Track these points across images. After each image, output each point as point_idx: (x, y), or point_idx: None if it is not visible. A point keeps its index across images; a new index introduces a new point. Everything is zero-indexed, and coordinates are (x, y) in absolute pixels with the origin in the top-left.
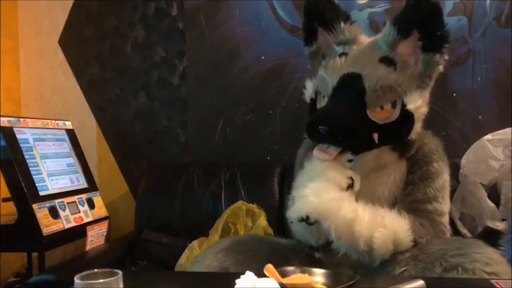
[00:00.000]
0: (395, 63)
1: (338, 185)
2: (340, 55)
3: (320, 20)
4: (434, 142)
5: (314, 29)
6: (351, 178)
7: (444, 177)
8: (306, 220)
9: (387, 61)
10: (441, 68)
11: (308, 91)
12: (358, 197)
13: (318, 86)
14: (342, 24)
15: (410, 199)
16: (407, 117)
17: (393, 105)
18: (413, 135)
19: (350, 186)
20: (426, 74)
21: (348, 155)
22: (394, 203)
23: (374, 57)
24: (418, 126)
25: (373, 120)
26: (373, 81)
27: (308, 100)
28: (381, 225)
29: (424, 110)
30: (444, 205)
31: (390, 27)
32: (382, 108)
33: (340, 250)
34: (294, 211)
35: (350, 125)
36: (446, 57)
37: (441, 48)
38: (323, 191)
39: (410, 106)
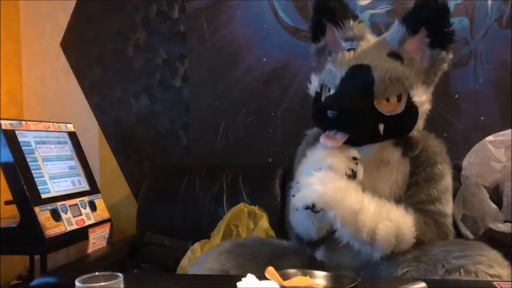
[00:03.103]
0: (402, 58)
1: (338, 171)
2: (348, 50)
3: (330, 16)
4: (438, 145)
5: (323, 25)
6: (352, 170)
7: (448, 179)
8: (311, 208)
9: (395, 56)
10: (445, 66)
11: (314, 85)
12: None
13: (324, 79)
14: (351, 22)
15: (414, 200)
16: (412, 111)
17: (399, 99)
18: (415, 132)
19: (353, 176)
20: (431, 70)
21: (354, 152)
22: (395, 201)
23: (382, 51)
24: (420, 124)
25: (380, 111)
26: (382, 72)
27: (313, 93)
28: (386, 218)
29: (427, 107)
30: (448, 207)
31: (399, 25)
32: (388, 100)
33: (342, 239)
34: (300, 199)
35: (358, 111)
36: (451, 55)
37: (447, 46)
38: (329, 181)
39: (416, 99)
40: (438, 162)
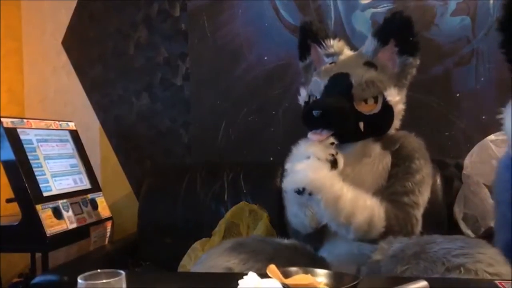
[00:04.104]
0: (376, 66)
1: (321, 159)
2: (330, 63)
3: (313, 38)
4: (417, 141)
5: (308, 45)
6: (333, 155)
7: (423, 173)
8: (302, 191)
9: (370, 64)
10: (414, 71)
11: (302, 96)
12: (345, 180)
13: (311, 89)
14: (332, 40)
15: (391, 190)
16: (388, 110)
17: (375, 101)
18: (392, 130)
19: (335, 165)
20: (402, 75)
21: (331, 139)
22: (377, 189)
23: (359, 61)
24: (397, 123)
25: (359, 111)
26: (359, 77)
27: (302, 103)
28: (363, 206)
29: (401, 107)
30: (420, 198)
31: (371, 38)
32: (366, 102)
33: (322, 220)
34: (291, 183)
35: (340, 109)
36: (418, 61)
37: (414, 52)
38: (319, 168)
39: (390, 98)
40: (416, 158)
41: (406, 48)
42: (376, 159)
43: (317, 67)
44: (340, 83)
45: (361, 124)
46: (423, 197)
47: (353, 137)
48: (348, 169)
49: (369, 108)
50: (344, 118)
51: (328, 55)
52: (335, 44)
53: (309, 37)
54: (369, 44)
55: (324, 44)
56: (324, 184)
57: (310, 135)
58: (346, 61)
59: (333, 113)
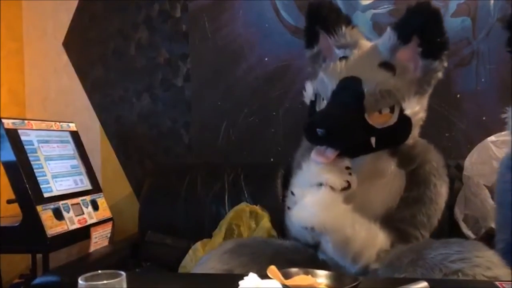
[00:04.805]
0: (395, 68)
1: (335, 187)
2: (341, 58)
3: (322, 23)
4: (435, 159)
5: (316, 32)
6: (348, 182)
7: (438, 201)
8: (310, 229)
9: (387, 66)
10: (440, 75)
11: (308, 93)
12: (353, 202)
13: (318, 88)
14: (344, 28)
15: (399, 215)
16: (404, 122)
17: (392, 110)
18: (410, 140)
19: (347, 188)
20: (424, 80)
21: (346, 162)
22: (385, 211)
23: (374, 61)
24: (415, 132)
25: (371, 124)
26: (372, 85)
27: (308, 102)
28: (372, 245)
29: (421, 115)
30: (429, 229)
31: (390, 32)
32: (380, 112)
33: (328, 254)
34: (299, 220)
35: (347, 129)
36: (445, 64)
37: (440, 55)
38: (331, 205)
39: (408, 111)
40: (432, 183)
41: (430, 50)
42: (390, 180)
43: (326, 57)
44: (350, 91)
45: (373, 139)
46: (431, 225)
47: (363, 152)
48: (358, 189)
49: (383, 119)
50: (352, 138)
51: (339, 47)
52: (347, 33)
53: (317, 23)
54: (387, 38)
55: (334, 33)
56: (334, 226)
57: (313, 155)
58: (359, 61)
59: (339, 133)
